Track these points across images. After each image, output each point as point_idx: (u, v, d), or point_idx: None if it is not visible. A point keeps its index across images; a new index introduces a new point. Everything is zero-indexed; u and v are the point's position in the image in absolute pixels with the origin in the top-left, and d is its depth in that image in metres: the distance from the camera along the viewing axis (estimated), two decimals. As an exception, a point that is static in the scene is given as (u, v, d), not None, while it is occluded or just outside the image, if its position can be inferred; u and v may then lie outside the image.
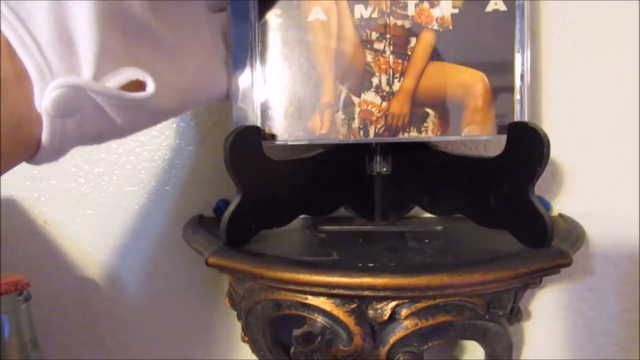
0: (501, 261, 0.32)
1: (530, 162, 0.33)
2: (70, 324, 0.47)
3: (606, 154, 0.43)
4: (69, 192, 0.46)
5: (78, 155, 0.46)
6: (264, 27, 0.36)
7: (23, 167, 0.27)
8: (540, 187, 0.44)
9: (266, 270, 0.32)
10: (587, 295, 0.45)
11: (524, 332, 0.46)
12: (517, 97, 0.35)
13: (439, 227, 0.41)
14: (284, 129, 0.37)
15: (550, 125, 0.43)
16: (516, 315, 0.40)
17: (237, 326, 0.41)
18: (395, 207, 0.42)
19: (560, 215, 0.43)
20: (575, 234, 0.39)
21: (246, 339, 0.41)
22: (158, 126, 0.44)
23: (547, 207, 0.43)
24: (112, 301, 0.47)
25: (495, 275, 0.31)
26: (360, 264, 0.32)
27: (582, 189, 0.44)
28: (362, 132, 0.36)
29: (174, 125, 0.45)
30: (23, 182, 0.46)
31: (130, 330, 0.48)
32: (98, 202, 0.46)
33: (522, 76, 0.35)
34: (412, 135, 0.36)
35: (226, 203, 0.43)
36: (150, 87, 0.27)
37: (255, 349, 0.40)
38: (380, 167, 0.42)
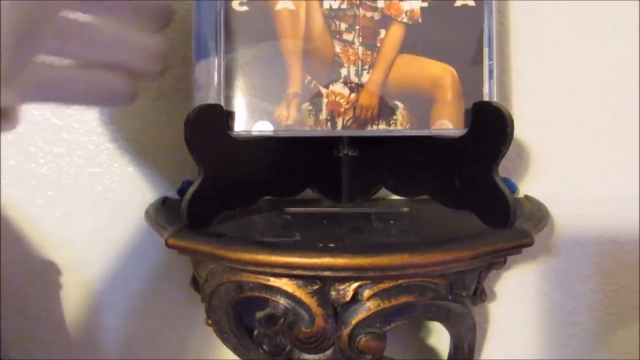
0: (462, 241, 0.32)
1: (494, 142, 0.33)
2: (32, 307, 0.46)
3: (574, 138, 0.43)
4: (28, 173, 0.45)
5: (38, 136, 0.45)
6: (229, 14, 0.35)
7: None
8: (507, 169, 0.44)
9: (225, 251, 0.32)
10: (550, 276, 0.45)
11: (489, 312, 0.46)
12: (486, 91, 0.35)
13: (405, 209, 0.40)
14: (248, 118, 0.36)
15: (519, 107, 0.43)
16: (480, 295, 0.40)
17: (201, 310, 0.40)
18: (362, 188, 0.42)
19: (526, 197, 0.43)
20: (538, 215, 0.39)
21: (210, 322, 0.40)
22: (120, 106, 0.43)
23: (514, 189, 0.43)
24: (74, 284, 0.46)
25: (457, 255, 0.31)
26: (321, 244, 0.31)
27: (549, 172, 0.44)
28: (329, 123, 0.36)
29: (136, 105, 0.44)
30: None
31: (93, 311, 0.47)
32: (59, 184, 0.45)
33: (490, 71, 0.35)
34: (381, 128, 0.36)
35: (191, 184, 0.42)
36: None
37: (219, 332, 0.40)
38: (348, 148, 0.41)
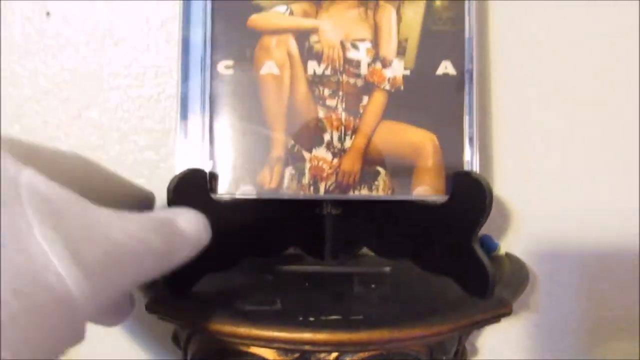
0: (442, 315, 0.32)
1: (473, 212, 0.34)
2: None
3: (554, 197, 0.44)
4: None
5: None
6: (215, 77, 0.36)
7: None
8: (489, 227, 0.44)
9: (207, 323, 0.32)
10: (533, 331, 0.46)
11: (469, 369, 0.46)
12: (467, 158, 0.36)
13: (387, 268, 0.41)
14: (231, 181, 0.36)
15: (500, 168, 0.44)
16: (461, 356, 0.40)
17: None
18: (345, 247, 0.42)
19: (507, 255, 0.44)
20: (519, 277, 0.39)
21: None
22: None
23: (494, 247, 0.43)
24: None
25: (437, 329, 0.31)
26: (301, 318, 0.31)
27: (529, 229, 0.45)
28: (312, 188, 0.36)
29: (123, 161, 0.44)
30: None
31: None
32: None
33: (470, 139, 0.36)
34: (363, 193, 0.36)
35: None
36: None
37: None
38: (331, 207, 0.41)
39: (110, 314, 0.28)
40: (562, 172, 0.44)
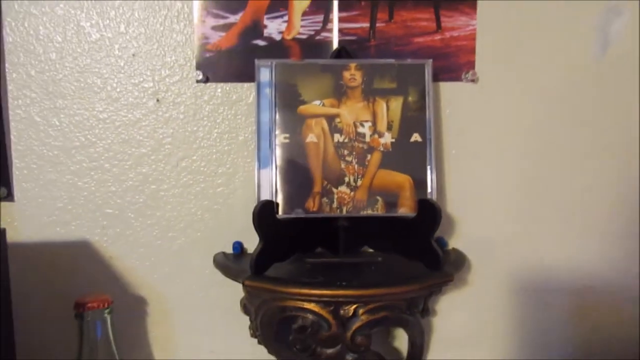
0: (413, 280, 0.57)
1: (430, 223, 0.59)
2: (132, 331, 0.68)
3: (482, 214, 0.70)
4: (129, 236, 0.67)
5: (132, 215, 0.67)
6: (278, 144, 0.60)
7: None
8: (443, 232, 0.70)
9: (283, 288, 0.56)
10: (469, 299, 0.71)
11: (432, 323, 0.71)
12: (429, 190, 0.61)
13: (380, 258, 0.65)
14: (289, 206, 0.60)
15: (451, 191, 0.69)
16: (426, 312, 0.65)
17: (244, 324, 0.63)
18: (352, 247, 0.67)
19: (453, 249, 0.69)
20: (460, 261, 0.65)
21: (257, 333, 0.63)
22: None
23: (445, 244, 0.68)
24: (159, 313, 0.68)
25: (410, 288, 0.56)
26: (337, 283, 0.56)
27: (466, 233, 0.70)
28: (338, 210, 0.60)
29: (207, 189, 0.68)
30: (95, 229, 0.67)
31: (174, 331, 0.69)
32: (148, 242, 0.68)
33: (431, 179, 0.61)
34: (369, 212, 0.61)
35: (240, 244, 0.66)
36: None
37: (263, 340, 0.63)
38: (344, 221, 0.66)
39: None
40: (489, 199, 0.70)
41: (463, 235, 0.70)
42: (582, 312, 0.72)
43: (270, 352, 0.63)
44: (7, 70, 0.64)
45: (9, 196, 0.66)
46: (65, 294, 0.63)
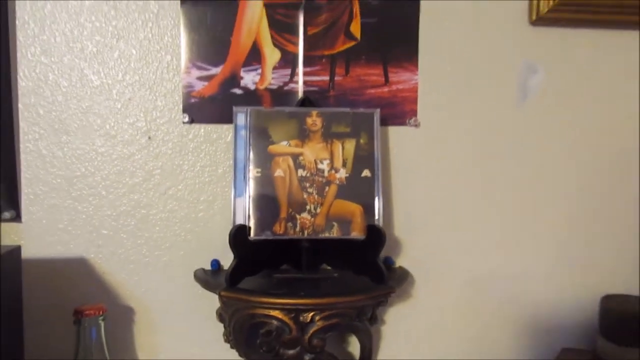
0: (360, 291, 0.69)
1: (377, 245, 0.71)
2: (122, 335, 0.78)
3: (426, 238, 0.83)
4: (121, 254, 0.78)
5: (124, 236, 0.78)
6: (252, 178, 0.72)
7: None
8: (390, 252, 0.82)
9: (253, 297, 0.67)
10: (413, 310, 0.83)
11: (380, 330, 0.83)
12: (377, 217, 0.73)
13: (336, 274, 0.77)
14: (259, 229, 0.72)
15: (398, 217, 0.82)
16: (374, 320, 0.77)
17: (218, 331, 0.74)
18: (313, 264, 0.79)
19: (400, 267, 0.82)
20: (404, 277, 0.77)
21: (230, 338, 0.74)
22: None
23: (392, 262, 0.81)
24: (146, 321, 0.79)
25: (358, 298, 0.68)
26: (296, 294, 0.67)
27: (412, 253, 0.83)
28: (300, 233, 0.72)
29: (190, 214, 0.79)
30: (91, 248, 0.77)
31: (158, 337, 0.79)
32: (138, 259, 0.78)
33: (379, 208, 0.74)
34: (326, 235, 0.73)
35: (217, 261, 0.78)
36: None
37: (235, 344, 0.74)
38: (305, 242, 0.78)
39: None
40: (432, 224, 0.83)
41: (408, 255, 0.83)
42: (522, 322, 0.85)
43: (240, 355, 0.74)
44: (20, 109, 0.75)
45: (17, 218, 0.76)
46: (65, 303, 0.73)
